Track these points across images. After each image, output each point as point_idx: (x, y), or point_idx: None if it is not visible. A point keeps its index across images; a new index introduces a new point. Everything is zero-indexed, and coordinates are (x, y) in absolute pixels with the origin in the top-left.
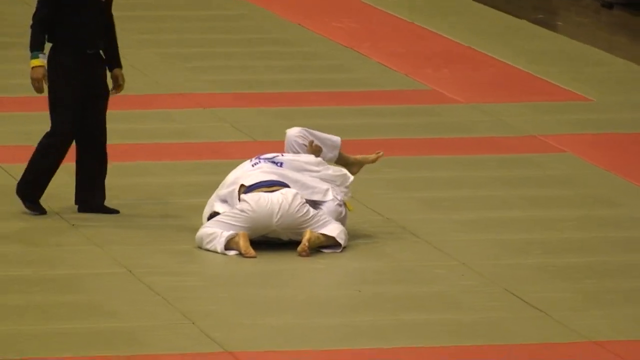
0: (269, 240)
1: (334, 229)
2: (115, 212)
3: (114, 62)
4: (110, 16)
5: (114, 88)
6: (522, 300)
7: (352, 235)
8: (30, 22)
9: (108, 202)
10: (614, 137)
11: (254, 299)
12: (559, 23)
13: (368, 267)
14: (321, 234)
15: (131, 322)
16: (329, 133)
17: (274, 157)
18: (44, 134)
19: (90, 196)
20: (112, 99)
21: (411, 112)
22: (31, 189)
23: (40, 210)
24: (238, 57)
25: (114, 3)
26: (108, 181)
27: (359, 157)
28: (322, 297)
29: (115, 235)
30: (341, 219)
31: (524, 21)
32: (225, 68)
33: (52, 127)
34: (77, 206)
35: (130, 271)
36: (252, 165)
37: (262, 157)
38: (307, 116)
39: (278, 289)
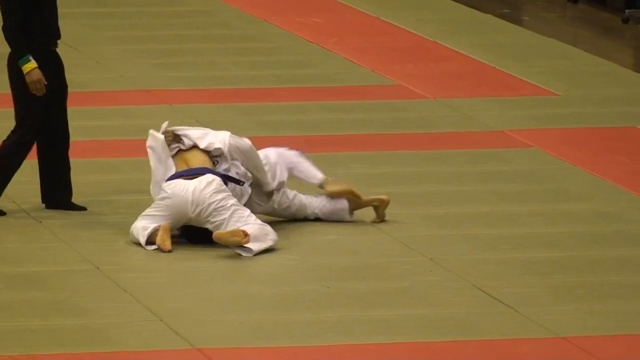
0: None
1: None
2: (83, 209)
3: None
4: None
5: None
6: (490, 296)
7: (319, 232)
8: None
9: (74, 199)
10: (581, 131)
11: (221, 295)
12: (525, 17)
13: (335, 263)
14: (228, 232)
15: (98, 319)
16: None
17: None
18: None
19: (58, 193)
20: (77, 95)
21: (377, 107)
22: None
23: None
24: (203, 53)
25: (82, 0)
26: (73, 178)
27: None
28: (290, 293)
29: (82, 232)
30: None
31: (490, 16)
32: (190, 64)
33: (22, 126)
34: (44, 204)
35: (97, 268)
36: None
37: None
38: (273, 112)
39: (245, 285)
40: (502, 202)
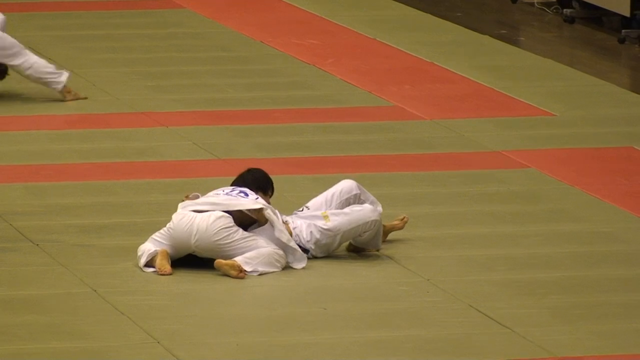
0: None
1: (249, 257)
2: None
3: None
4: None
5: None
6: (487, 317)
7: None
8: None
9: (71, 222)
10: (577, 152)
11: (218, 317)
12: (522, 38)
13: (332, 285)
14: (228, 264)
15: (96, 342)
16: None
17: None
18: None
19: None
20: (72, 117)
21: (374, 128)
22: None
23: None
24: (200, 75)
25: (77, 23)
26: (70, 201)
27: (387, 225)
28: (287, 314)
29: (79, 255)
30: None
31: (487, 36)
32: (187, 86)
33: None
34: None
35: (94, 290)
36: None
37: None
38: (270, 134)
39: (242, 306)
40: (499, 223)
